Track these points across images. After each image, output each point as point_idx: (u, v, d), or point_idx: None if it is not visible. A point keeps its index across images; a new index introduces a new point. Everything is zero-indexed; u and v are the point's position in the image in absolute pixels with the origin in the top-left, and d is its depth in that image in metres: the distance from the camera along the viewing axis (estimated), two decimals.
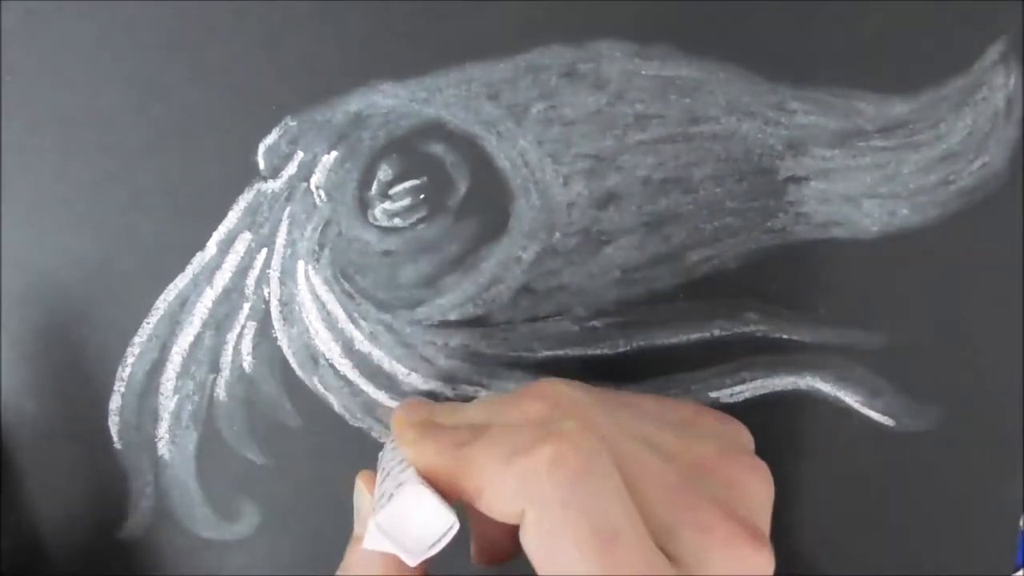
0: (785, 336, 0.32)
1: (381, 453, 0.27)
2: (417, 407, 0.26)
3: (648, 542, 0.22)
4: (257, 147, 0.30)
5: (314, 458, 0.32)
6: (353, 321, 0.31)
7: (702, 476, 0.24)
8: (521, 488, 0.22)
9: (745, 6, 0.30)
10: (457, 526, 0.22)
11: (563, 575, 0.21)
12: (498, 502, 0.22)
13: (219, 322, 0.31)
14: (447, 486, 0.23)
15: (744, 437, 0.27)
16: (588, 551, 0.21)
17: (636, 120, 0.31)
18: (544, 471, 0.22)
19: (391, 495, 0.23)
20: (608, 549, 0.21)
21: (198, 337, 0.31)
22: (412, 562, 0.22)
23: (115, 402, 0.31)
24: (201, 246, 0.31)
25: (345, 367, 0.31)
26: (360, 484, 0.26)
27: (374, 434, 0.32)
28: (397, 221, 0.31)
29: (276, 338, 0.31)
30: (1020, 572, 0.35)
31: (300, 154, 0.30)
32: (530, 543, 0.22)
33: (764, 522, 0.24)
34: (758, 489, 0.25)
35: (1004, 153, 0.32)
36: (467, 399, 0.32)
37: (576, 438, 0.22)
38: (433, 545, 0.22)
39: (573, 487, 0.21)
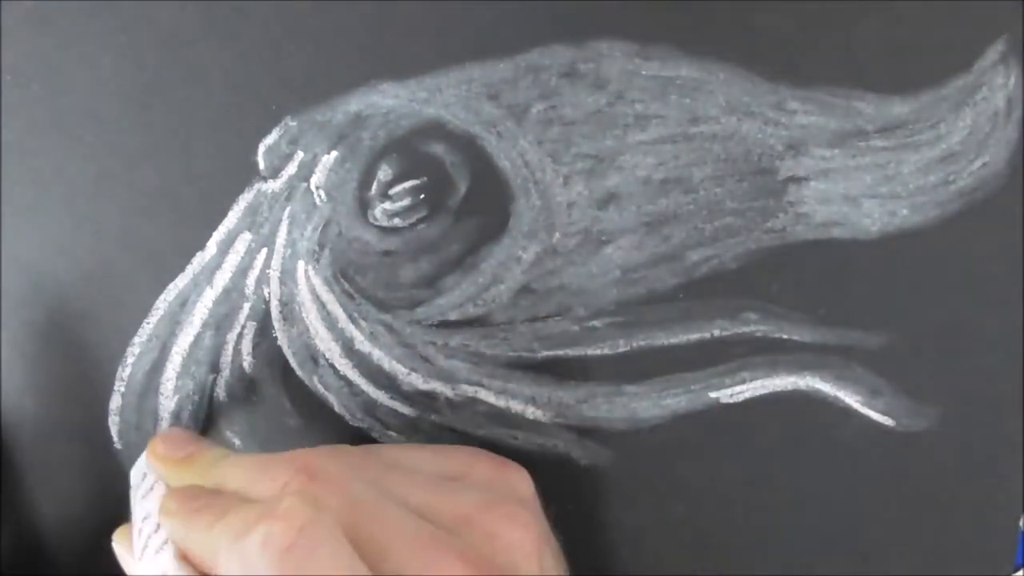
0: (785, 336, 0.32)
1: (134, 475, 0.28)
2: (180, 442, 0.28)
3: None
4: (257, 147, 0.30)
5: None
6: (353, 321, 0.31)
7: (462, 531, 0.25)
8: (242, 571, 0.23)
9: (745, 6, 0.30)
10: None
11: None
12: (221, 568, 0.23)
13: (219, 322, 0.31)
14: (199, 567, 0.25)
15: (520, 484, 0.28)
16: None
17: (636, 120, 0.31)
18: (257, 552, 0.22)
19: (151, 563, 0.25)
20: None
21: (198, 337, 0.31)
22: None
23: (115, 402, 0.31)
24: (201, 246, 0.31)
25: (345, 367, 0.31)
26: (120, 551, 0.27)
27: (374, 434, 0.32)
28: (397, 221, 0.31)
29: (276, 338, 0.31)
30: (1020, 573, 0.35)
31: (300, 154, 0.30)
32: None
33: (530, 567, 0.25)
34: (520, 539, 0.25)
35: (1004, 153, 0.32)
36: (466, 399, 0.32)
37: (289, 514, 0.23)
38: None
39: (283, 564, 0.22)
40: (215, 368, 0.31)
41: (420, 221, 0.31)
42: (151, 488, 0.27)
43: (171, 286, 0.31)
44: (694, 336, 0.32)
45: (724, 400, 0.32)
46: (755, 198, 0.31)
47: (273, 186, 0.30)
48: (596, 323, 0.32)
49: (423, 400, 0.32)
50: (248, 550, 0.23)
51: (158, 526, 0.26)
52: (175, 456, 0.28)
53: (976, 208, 0.32)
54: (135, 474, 0.28)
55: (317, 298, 0.31)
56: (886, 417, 0.33)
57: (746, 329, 0.32)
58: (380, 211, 0.31)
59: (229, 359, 0.31)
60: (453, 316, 0.31)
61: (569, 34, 0.30)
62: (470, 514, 0.25)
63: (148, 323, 0.31)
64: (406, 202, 0.31)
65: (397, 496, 0.25)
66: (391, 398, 0.32)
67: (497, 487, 0.27)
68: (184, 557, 0.25)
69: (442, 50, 0.30)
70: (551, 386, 0.32)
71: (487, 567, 0.24)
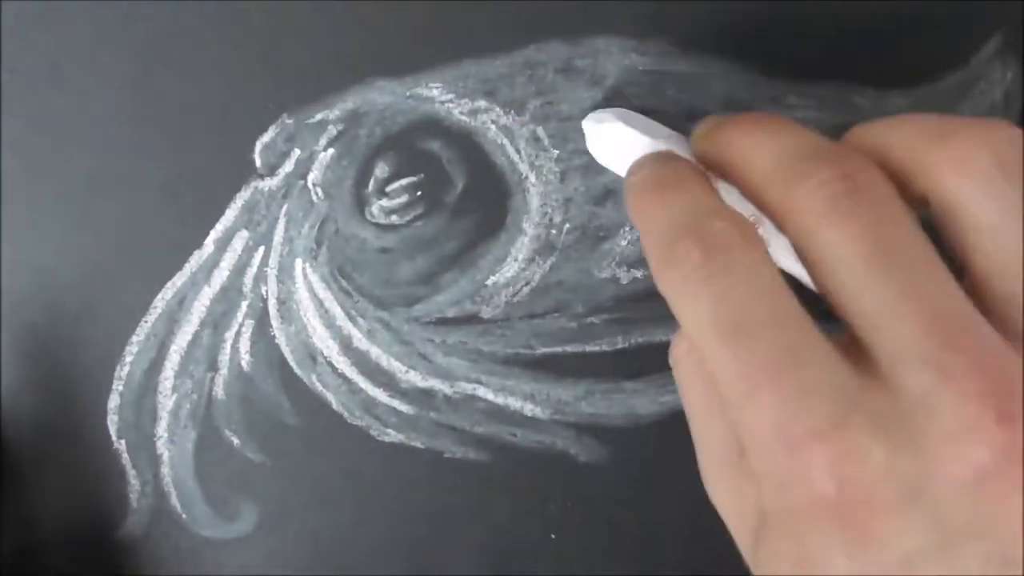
0: None
1: None
2: None
3: (801, 341, 0.20)
4: (254, 145, 0.30)
5: (313, 456, 0.32)
6: (351, 319, 0.31)
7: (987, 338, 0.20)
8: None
9: (742, 2, 0.30)
10: None
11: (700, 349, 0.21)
12: None
13: (217, 320, 0.31)
14: None
15: None
16: (716, 334, 0.21)
17: None
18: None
19: None
20: (735, 337, 0.21)
21: (196, 336, 0.31)
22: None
23: (113, 401, 0.31)
24: (199, 244, 0.31)
25: (343, 365, 0.31)
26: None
27: (373, 432, 0.32)
28: (394, 218, 0.31)
29: (274, 336, 0.31)
30: None
31: (297, 151, 0.30)
32: None
33: None
34: None
35: None
36: (464, 396, 0.32)
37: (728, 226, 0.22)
38: None
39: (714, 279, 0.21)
40: (213, 366, 0.31)
41: (417, 218, 0.31)
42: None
43: (169, 285, 0.31)
44: None
45: None
46: None
47: (270, 184, 0.30)
48: (594, 319, 0.32)
49: (421, 397, 0.32)
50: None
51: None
52: None
53: None
54: None
55: (315, 296, 0.31)
56: None
57: None
58: (377, 208, 0.31)
59: (227, 357, 0.31)
60: (451, 313, 0.31)
61: (566, 30, 0.30)
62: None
63: (146, 322, 0.31)
64: (403, 199, 0.31)
65: None
66: (389, 396, 0.32)
67: None
68: None
69: (438, 46, 0.30)
70: (549, 383, 0.32)
71: (1006, 397, 0.19)
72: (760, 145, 0.23)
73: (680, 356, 0.25)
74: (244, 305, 0.31)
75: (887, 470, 0.19)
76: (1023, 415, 0.19)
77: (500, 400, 0.32)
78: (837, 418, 0.19)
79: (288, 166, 0.30)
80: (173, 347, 0.31)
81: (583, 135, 0.30)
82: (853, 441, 0.19)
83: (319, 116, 0.30)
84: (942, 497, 0.19)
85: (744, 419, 0.21)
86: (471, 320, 0.31)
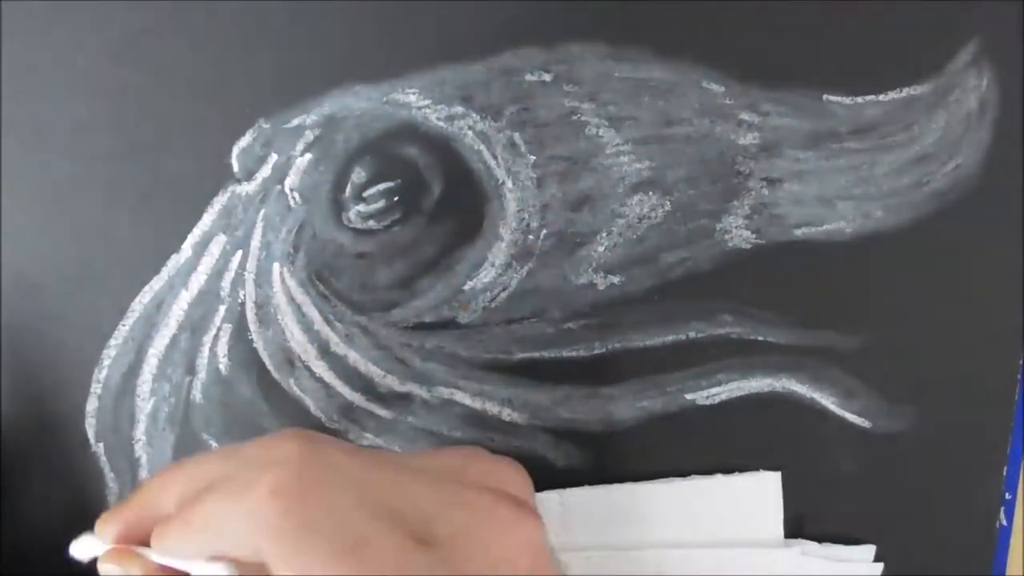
0: (760, 338, 0.32)
1: None
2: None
3: (400, 535, 0.22)
4: (231, 149, 0.30)
5: None
6: (329, 323, 0.31)
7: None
8: (251, 525, 0.22)
9: (718, 8, 0.30)
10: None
11: None
12: (237, 547, 0.22)
13: (195, 324, 0.31)
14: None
15: (513, 480, 0.26)
16: (338, 564, 0.21)
17: (610, 122, 0.31)
18: (267, 503, 0.21)
19: None
20: (359, 556, 0.21)
21: (174, 339, 0.31)
22: None
23: (92, 404, 0.31)
24: (176, 248, 0.31)
25: (321, 369, 0.31)
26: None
27: (351, 436, 0.32)
28: (371, 223, 0.31)
29: (252, 340, 0.31)
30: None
31: (274, 156, 0.30)
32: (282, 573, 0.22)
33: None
34: (523, 483, 0.25)
35: (977, 155, 0.32)
36: (442, 401, 0.32)
37: (296, 461, 0.22)
38: None
39: (301, 510, 0.21)
40: (191, 370, 0.31)
41: (394, 223, 0.31)
42: None
43: (146, 288, 0.31)
44: (669, 338, 0.32)
45: (700, 402, 0.32)
46: (729, 200, 0.31)
47: (247, 188, 0.30)
48: (571, 325, 0.32)
49: (399, 402, 0.32)
50: (256, 503, 0.22)
51: None
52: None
53: (950, 209, 0.32)
54: None
55: (292, 300, 0.31)
56: (862, 418, 0.33)
57: (721, 331, 0.32)
58: (355, 213, 0.31)
59: (205, 361, 0.31)
60: (428, 318, 0.31)
61: (542, 36, 0.30)
62: (483, 473, 0.25)
63: (124, 325, 0.31)
64: (380, 204, 0.31)
65: (396, 463, 0.24)
66: (367, 400, 0.32)
67: (487, 482, 0.26)
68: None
69: (415, 52, 0.30)
70: (527, 388, 0.32)
71: (502, 497, 0.24)
72: None
73: None
74: (222, 309, 0.31)
75: None
76: None
77: (478, 405, 0.32)
78: None
79: (265, 171, 0.30)
80: (151, 350, 0.31)
81: (560, 141, 0.30)
82: None
83: (296, 121, 0.30)
84: None
85: None
86: (448, 325, 0.31)
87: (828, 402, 0.33)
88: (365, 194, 0.31)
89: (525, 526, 0.24)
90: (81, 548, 0.26)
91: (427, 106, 0.30)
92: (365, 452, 0.24)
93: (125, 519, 0.25)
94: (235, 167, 0.30)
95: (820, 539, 0.33)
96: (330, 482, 0.22)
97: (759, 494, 0.32)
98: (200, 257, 0.31)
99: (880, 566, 0.33)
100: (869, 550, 0.33)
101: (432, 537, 0.23)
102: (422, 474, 0.24)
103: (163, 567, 0.24)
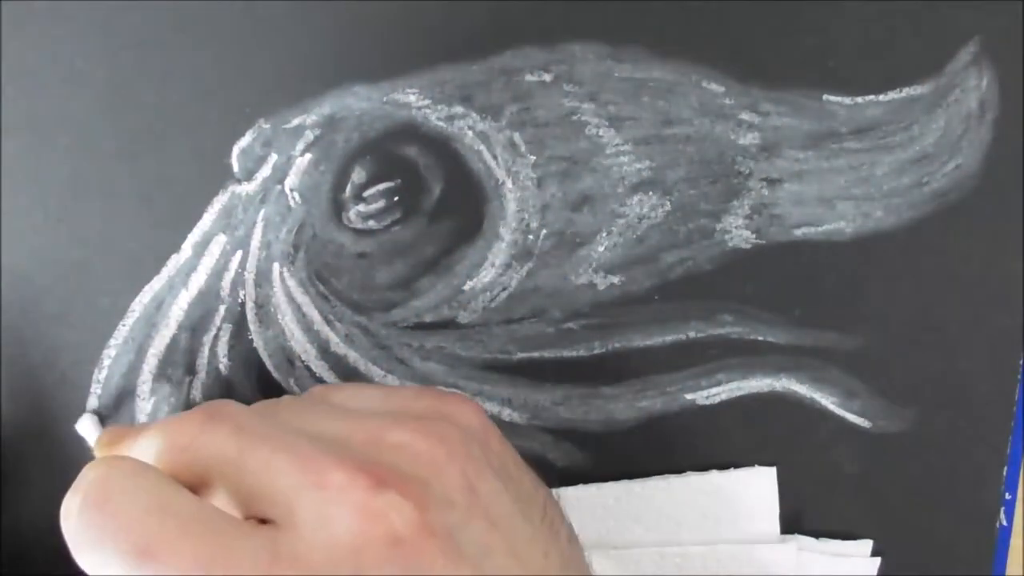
0: (760, 338, 0.32)
1: None
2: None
3: (209, 534, 0.21)
4: (231, 149, 0.30)
5: None
6: (328, 323, 0.31)
7: (368, 449, 0.23)
8: (68, 537, 0.22)
9: (718, 8, 0.30)
10: None
11: None
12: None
13: (195, 324, 0.31)
14: None
15: (463, 414, 0.25)
16: (131, 568, 0.21)
17: (609, 122, 0.31)
18: (72, 518, 0.22)
19: None
20: (149, 566, 0.21)
21: (174, 339, 0.31)
22: None
23: (91, 404, 0.31)
24: (176, 248, 0.31)
25: (321, 369, 0.31)
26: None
27: None
28: (371, 223, 0.31)
29: (252, 340, 0.31)
30: None
31: (274, 156, 0.30)
32: None
33: (443, 481, 0.23)
34: (430, 450, 0.23)
35: (977, 155, 0.32)
36: None
37: (100, 475, 0.22)
38: None
39: (95, 524, 0.21)
40: (191, 370, 0.31)
41: (394, 223, 0.31)
42: None
43: (146, 288, 0.31)
44: (669, 338, 0.32)
45: (700, 402, 0.32)
46: (729, 200, 0.31)
47: (247, 188, 0.30)
48: (571, 325, 0.32)
49: None
50: (64, 523, 0.22)
51: None
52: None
53: (950, 210, 0.32)
54: None
55: (292, 300, 0.31)
56: (862, 418, 0.33)
57: (721, 331, 0.32)
58: (355, 213, 0.31)
59: (205, 361, 0.31)
60: (428, 318, 0.31)
61: (541, 36, 0.30)
62: (380, 433, 0.23)
63: (124, 325, 0.31)
64: (380, 204, 0.31)
65: (299, 426, 0.23)
66: None
67: (431, 415, 0.25)
68: None
69: (415, 52, 0.30)
70: (527, 388, 0.32)
71: (379, 472, 0.22)
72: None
73: None
74: (222, 309, 0.31)
75: None
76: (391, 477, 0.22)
77: None
78: None
79: (265, 171, 0.30)
80: (151, 351, 0.31)
81: (560, 141, 0.30)
82: None
83: (296, 121, 0.30)
84: None
85: None
86: (448, 325, 0.31)
87: (828, 402, 0.33)
88: (365, 194, 0.31)
89: (379, 515, 0.21)
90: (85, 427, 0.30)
91: (427, 106, 0.30)
92: (271, 421, 0.24)
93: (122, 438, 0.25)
94: (235, 167, 0.30)
95: (818, 537, 0.33)
96: (126, 486, 0.22)
97: (754, 489, 0.32)
98: (200, 257, 0.31)
99: (877, 561, 0.33)
100: (866, 545, 0.33)
101: (287, 521, 0.22)
102: (307, 445, 0.22)
103: None
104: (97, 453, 0.27)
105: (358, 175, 0.31)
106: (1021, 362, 0.33)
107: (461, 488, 0.23)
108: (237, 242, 0.31)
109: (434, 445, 0.23)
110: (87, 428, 0.31)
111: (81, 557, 0.22)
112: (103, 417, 0.31)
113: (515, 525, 0.23)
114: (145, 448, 0.24)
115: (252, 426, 0.23)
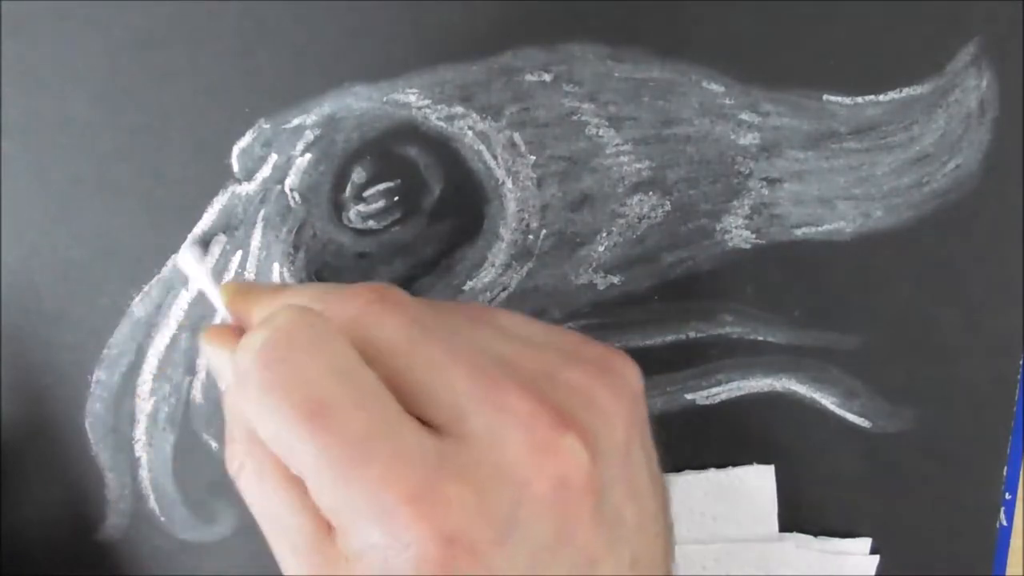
0: (760, 338, 0.32)
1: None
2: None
3: (382, 411, 0.21)
4: (231, 150, 0.30)
5: None
6: None
7: (542, 382, 0.22)
8: (235, 379, 0.22)
9: (718, 8, 0.30)
10: None
11: (284, 450, 0.21)
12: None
13: (195, 324, 0.31)
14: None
15: (629, 372, 0.24)
16: (296, 427, 0.20)
17: (610, 122, 0.31)
18: (249, 357, 0.21)
19: None
20: (317, 423, 0.20)
21: (174, 339, 0.31)
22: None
23: (91, 404, 0.31)
24: (176, 248, 0.31)
25: None
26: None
27: None
28: (372, 223, 0.31)
29: None
30: None
31: (274, 156, 0.30)
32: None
33: (612, 436, 0.22)
34: (609, 402, 0.22)
35: (977, 155, 0.32)
36: None
37: (286, 323, 0.21)
38: None
39: (272, 369, 0.21)
40: (191, 370, 0.31)
41: (394, 223, 0.31)
42: None
43: (146, 288, 0.31)
44: (669, 338, 0.32)
45: (700, 402, 0.32)
46: (729, 200, 0.32)
47: (247, 188, 0.30)
48: (571, 325, 0.32)
49: None
50: (240, 357, 0.21)
51: None
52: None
53: (950, 209, 0.32)
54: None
55: None
56: (862, 418, 0.33)
57: (721, 331, 0.32)
58: (355, 213, 0.31)
59: (205, 361, 0.31)
60: None
61: (541, 36, 0.30)
62: (555, 369, 0.22)
63: (124, 325, 0.31)
64: (380, 204, 0.31)
65: (471, 340, 0.22)
66: None
67: (602, 365, 0.23)
68: None
69: (415, 52, 0.30)
70: None
71: (562, 412, 0.21)
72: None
73: (239, 466, 0.24)
74: (222, 309, 0.31)
75: (481, 512, 0.20)
76: (577, 423, 0.21)
77: None
78: (428, 479, 0.20)
79: (265, 171, 0.30)
80: (151, 350, 0.31)
81: (560, 141, 0.30)
82: (446, 495, 0.20)
83: (296, 121, 0.30)
84: (531, 519, 0.20)
85: (335, 503, 0.21)
86: None
87: (828, 402, 0.33)
88: (365, 194, 0.31)
89: (558, 456, 0.21)
90: (185, 260, 0.29)
91: (427, 106, 0.30)
92: (445, 322, 0.23)
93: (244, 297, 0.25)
94: (235, 167, 0.30)
95: (816, 536, 0.33)
96: (315, 344, 0.21)
97: (753, 487, 0.32)
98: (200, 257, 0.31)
99: (876, 559, 0.33)
100: (865, 543, 0.33)
101: (455, 430, 0.21)
102: (483, 358, 0.22)
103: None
104: (224, 301, 0.27)
105: (358, 175, 0.31)
106: (1021, 362, 0.33)
107: (620, 449, 0.22)
108: (237, 242, 0.31)
109: (608, 396, 0.22)
110: (188, 261, 0.29)
111: (244, 399, 0.21)
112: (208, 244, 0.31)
113: (647, 500, 0.23)
114: (257, 338, 0.22)
115: (427, 322, 0.22)
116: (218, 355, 0.25)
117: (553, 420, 0.21)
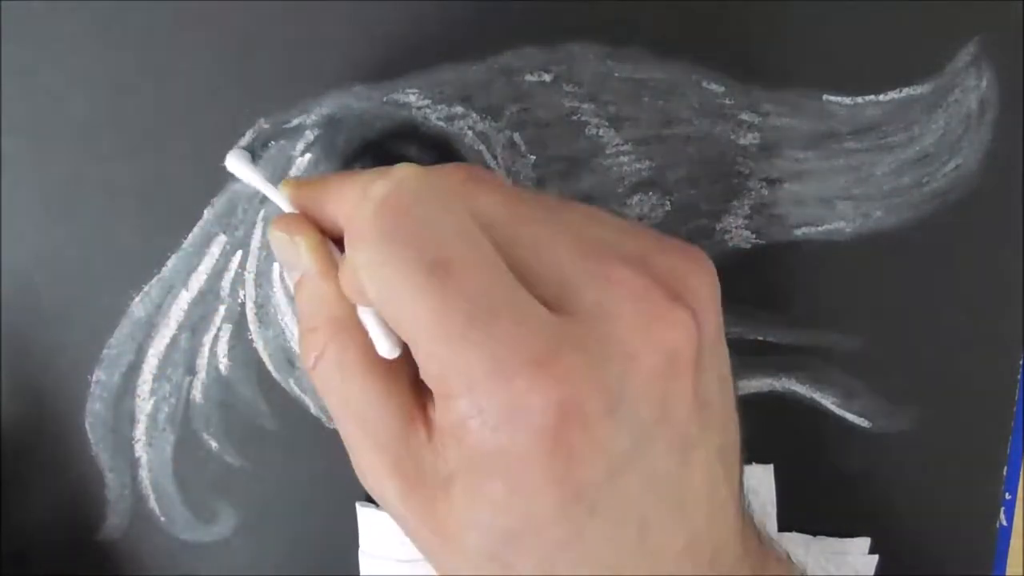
0: (760, 338, 0.32)
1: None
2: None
3: (502, 276, 0.20)
4: (231, 149, 0.30)
5: (290, 460, 0.32)
6: None
7: (635, 262, 0.22)
8: (350, 227, 0.21)
9: (718, 8, 0.30)
10: None
11: (397, 307, 0.21)
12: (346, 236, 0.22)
13: (195, 324, 0.31)
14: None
15: (710, 269, 0.23)
16: (415, 281, 0.20)
17: (610, 122, 0.31)
18: (371, 207, 0.21)
19: None
20: (439, 279, 0.20)
21: (174, 339, 0.31)
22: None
23: (91, 404, 0.31)
24: (176, 248, 0.31)
25: None
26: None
27: None
28: None
29: (252, 340, 0.31)
30: None
31: (274, 156, 0.30)
32: (363, 277, 0.21)
33: (707, 315, 0.22)
34: (700, 285, 0.22)
35: (977, 155, 0.32)
36: None
37: (410, 176, 0.21)
38: None
39: (396, 220, 0.20)
40: (191, 370, 0.31)
41: None
42: None
43: (146, 288, 0.31)
44: None
45: None
46: (729, 200, 0.32)
47: (248, 188, 0.30)
48: None
49: None
50: (362, 205, 0.21)
51: None
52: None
53: (950, 209, 0.32)
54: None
55: (292, 300, 0.31)
56: (862, 419, 0.33)
57: None
58: None
59: (205, 361, 0.31)
60: None
61: (541, 36, 0.30)
62: (649, 253, 0.22)
63: (124, 325, 0.31)
64: None
65: (568, 221, 0.22)
66: None
67: (688, 253, 0.23)
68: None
69: (415, 52, 0.30)
70: None
71: (675, 287, 0.21)
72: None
73: (318, 355, 0.23)
74: (222, 309, 0.31)
75: (595, 384, 0.20)
76: (688, 296, 0.21)
77: None
78: (548, 345, 0.20)
79: (266, 171, 0.30)
80: (151, 350, 0.31)
81: (560, 141, 0.30)
82: (565, 364, 0.20)
83: (296, 121, 0.30)
84: (637, 394, 0.20)
85: (447, 366, 0.20)
86: None
87: (828, 402, 0.33)
88: None
89: (673, 328, 0.21)
90: (235, 162, 0.28)
91: (427, 106, 0.30)
92: (537, 204, 0.23)
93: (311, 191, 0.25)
94: None
95: (815, 535, 0.33)
96: (438, 200, 0.21)
97: (752, 487, 0.32)
98: (200, 257, 0.31)
99: (875, 559, 0.33)
100: (864, 542, 0.33)
101: (564, 304, 0.21)
102: (582, 237, 0.22)
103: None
104: (288, 196, 0.26)
105: None
106: (1021, 362, 0.33)
107: (713, 334, 0.22)
108: (237, 242, 0.31)
109: (701, 282, 0.22)
110: (237, 164, 0.28)
111: (359, 252, 0.21)
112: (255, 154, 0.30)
113: (730, 391, 0.23)
114: (380, 188, 0.21)
115: (524, 199, 0.22)
116: (289, 244, 0.25)
117: (665, 293, 0.21)
